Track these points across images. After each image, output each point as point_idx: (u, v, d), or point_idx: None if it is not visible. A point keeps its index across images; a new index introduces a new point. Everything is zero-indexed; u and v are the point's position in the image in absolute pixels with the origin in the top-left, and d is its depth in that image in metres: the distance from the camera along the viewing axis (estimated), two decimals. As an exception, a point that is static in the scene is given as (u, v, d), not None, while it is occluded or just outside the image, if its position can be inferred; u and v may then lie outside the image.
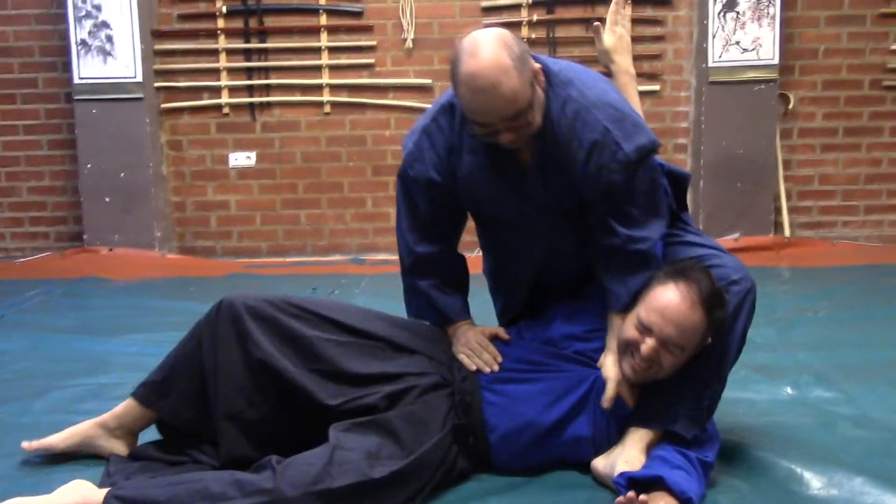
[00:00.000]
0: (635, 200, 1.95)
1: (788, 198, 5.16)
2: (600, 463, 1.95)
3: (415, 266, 2.17)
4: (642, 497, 1.67)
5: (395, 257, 4.97)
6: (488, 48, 1.78)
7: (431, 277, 2.18)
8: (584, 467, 1.99)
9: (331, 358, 1.97)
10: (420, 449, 1.87)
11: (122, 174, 5.02)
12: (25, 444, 2.11)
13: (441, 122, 2.03)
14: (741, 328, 1.94)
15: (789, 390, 2.56)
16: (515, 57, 1.79)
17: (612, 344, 1.99)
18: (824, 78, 5.11)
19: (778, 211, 5.11)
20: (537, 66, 1.88)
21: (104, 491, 1.81)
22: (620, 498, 1.69)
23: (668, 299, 1.86)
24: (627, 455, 1.89)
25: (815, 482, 1.88)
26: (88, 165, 5.03)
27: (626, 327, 1.93)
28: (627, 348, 1.92)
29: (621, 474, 1.79)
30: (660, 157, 2.07)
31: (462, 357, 2.08)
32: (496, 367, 2.05)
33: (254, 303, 1.99)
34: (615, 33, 2.26)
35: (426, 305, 2.21)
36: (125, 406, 2.10)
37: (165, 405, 2.06)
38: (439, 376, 2.01)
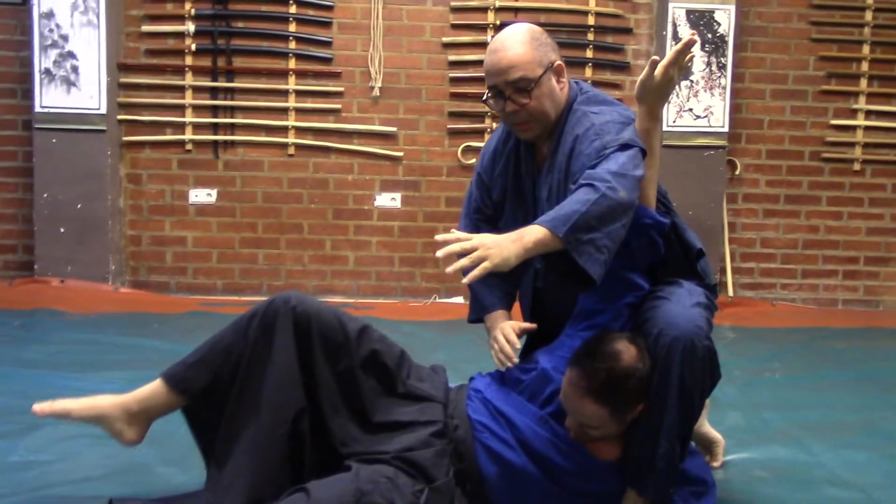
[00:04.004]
0: (604, 168, 1.97)
1: (732, 259, 5.41)
2: None
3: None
4: None
5: (353, 300, 5.06)
6: (515, 27, 2.16)
7: None
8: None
9: (362, 398, 2.05)
10: (430, 485, 1.95)
11: (79, 205, 4.96)
12: (38, 408, 2.04)
13: (498, 130, 2.39)
14: (676, 381, 1.90)
15: (762, 450, 2.69)
16: (533, 38, 2.13)
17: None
18: (768, 147, 5.40)
19: (722, 271, 5.36)
20: (559, 62, 2.16)
21: None
22: None
23: (564, 387, 1.97)
24: None
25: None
26: (45, 195, 4.94)
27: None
28: None
29: None
30: (679, 220, 2.18)
31: (492, 348, 2.26)
32: (510, 364, 2.19)
33: (325, 318, 2.04)
34: (667, 74, 2.06)
35: (471, 293, 2.42)
36: (151, 389, 2.07)
37: (195, 390, 2.03)
38: (442, 424, 2.07)
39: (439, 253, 1.84)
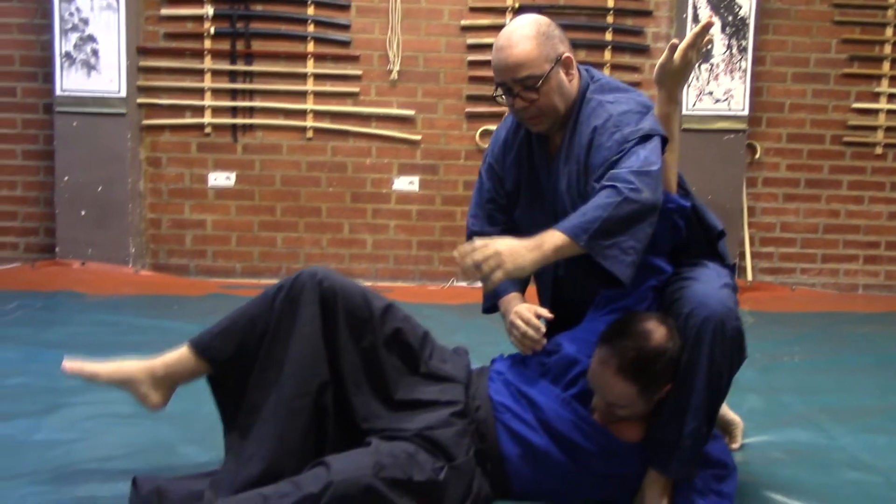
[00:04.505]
0: (625, 162, 1.97)
1: (751, 243, 5.39)
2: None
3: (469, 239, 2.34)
4: None
5: (371, 284, 5.08)
6: (521, 20, 2.13)
7: None
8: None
9: (384, 375, 2.07)
10: (451, 463, 1.97)
11: (100, 188, 4.99)
12: (68, 365, 2.10)
13: (508, 119, 2.35)
14: (706, 361, 1.91)
15: (781, 434, 2.68)
16: (538, 33, 2.10)
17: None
18: (789, 131, 5.36)
19: (741, 256, 5.33)
20: (567, 55, 2.13)
21: None
22: None
23: (593, 366, 1.97)
24: None
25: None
26: (66, 178, 4.98)
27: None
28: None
29: None
30: (698, 201, 2.18)
31: (512, 334, 2.22)
32: (539, 348, 2.18)
33: (350, 294, 2.05)
34: (686, 57, 2.09)
35: None
36: (178, 355, 2.10)
37: (221, 357, 2.06)
38: (463, 404, 2.09)
39: (460, 277, 1.89)
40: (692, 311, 1.93)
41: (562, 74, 2.12)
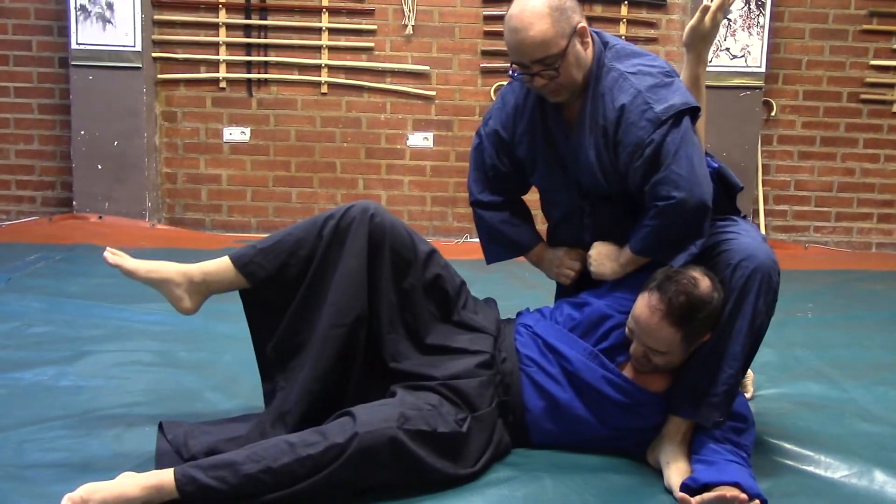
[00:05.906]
0: (669, 166, 2.02)
1: (765, 201, 5.39)
2: (649, 453, 2.10)
3: (477, 205, 2.43)
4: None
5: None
6: None
7: (496, 213, 2.40)
8: (627, 454, 2.14)
9: (418, 318, 2.11)
10: (474, 413, 2.01)
11: (116, 143, 5.01)
12: (109, 256, 2.09)
13: (515, 84, 2.29)
14: (750, 310, 1.97)
15: (794, 386, 2.72)
16: (553, 8, 2.03)
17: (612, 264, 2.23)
18: (806, 88, 5.32)
19: (755, 213, 5.33)
20: (581, 24, 2.07)
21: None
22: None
23: (639, 311, 1.99)
24: (669, 451, 2.03)
25: (840, 470, 2.07)
26: (82, 132, 5.00)
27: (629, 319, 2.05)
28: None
29: (693, 479, 1.90)
30: (720, 162, 2.20)
31: (567, 276, 2.37)
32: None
33: (399, 233, 2.09)
34: (715, 20, 2.18)
35: (497, 238, 2.44)
36: (217, 265, 2.10)
37: (261, 275, 2.07)
38: (489, 355, 2.12)
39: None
40: (741, 262, 1.98)
41: (578, 46, 2.08)
